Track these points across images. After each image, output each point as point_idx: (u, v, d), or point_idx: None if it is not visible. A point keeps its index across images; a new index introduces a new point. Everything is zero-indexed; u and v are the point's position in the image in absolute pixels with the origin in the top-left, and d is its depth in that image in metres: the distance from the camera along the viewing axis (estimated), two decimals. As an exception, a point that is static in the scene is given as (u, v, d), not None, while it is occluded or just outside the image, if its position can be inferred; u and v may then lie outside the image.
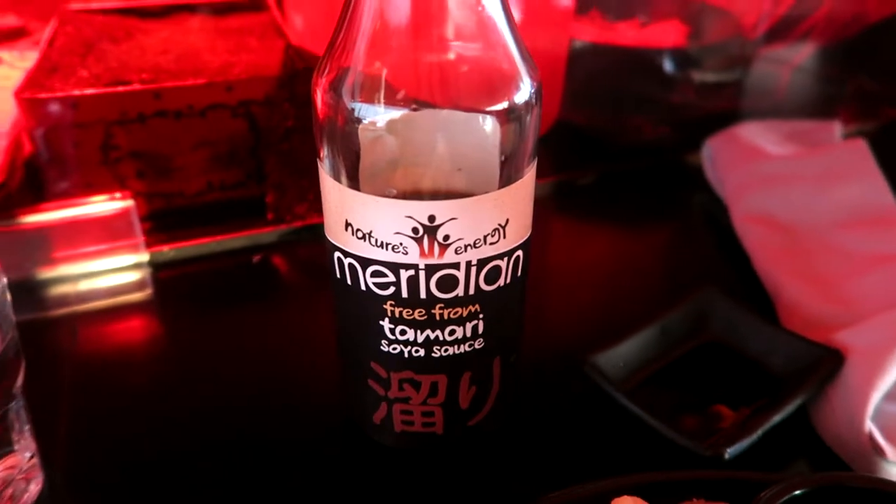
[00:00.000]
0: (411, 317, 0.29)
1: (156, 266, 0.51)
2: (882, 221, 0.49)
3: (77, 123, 0.52)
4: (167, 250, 0.53)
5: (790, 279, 0.48)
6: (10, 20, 0.84)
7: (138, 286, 0.49)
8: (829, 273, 0.47)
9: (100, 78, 0.54)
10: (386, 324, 0.29)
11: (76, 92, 0.51)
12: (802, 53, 0.85)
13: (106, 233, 0.49)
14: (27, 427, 0.34)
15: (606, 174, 0.68)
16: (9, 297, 0.31)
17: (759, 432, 0.34)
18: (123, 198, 0.49)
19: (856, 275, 0.46)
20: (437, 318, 0.29)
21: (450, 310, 0.29)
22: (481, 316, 0.29)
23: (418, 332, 0.29)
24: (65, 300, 0.48)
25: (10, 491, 0.33)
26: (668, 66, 0.75)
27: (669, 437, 0.34)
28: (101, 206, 0.49)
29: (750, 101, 0.80)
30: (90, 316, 0.47)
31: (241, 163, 0.58)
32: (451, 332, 0.29)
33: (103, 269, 0.50)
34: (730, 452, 0.33)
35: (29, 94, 0.51)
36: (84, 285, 0.49)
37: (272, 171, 0.56)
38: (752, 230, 0.53)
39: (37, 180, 0.54)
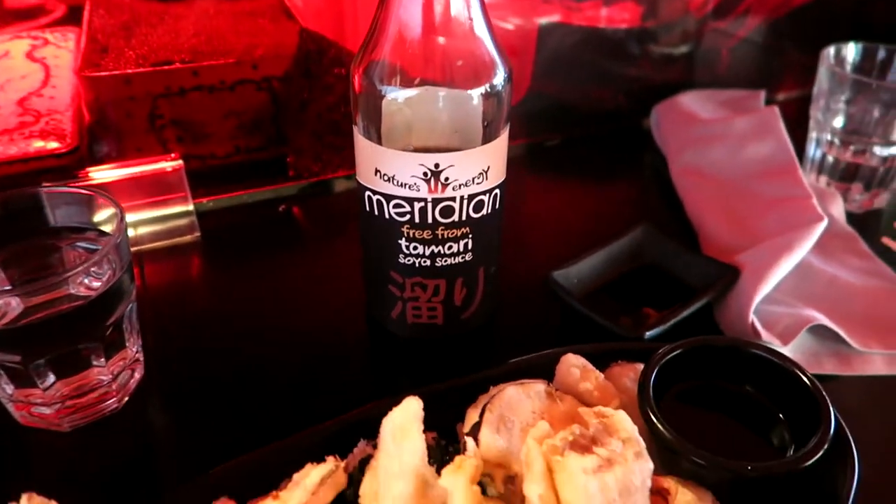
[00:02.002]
0: (421, 236, 0.41)
1: (199, 214, 0.62)
2: (784, 173, 0.62)
3: (129, 97, 0.63)
4: (207, 202, 0.64)
5: (711, 217, 0.60)
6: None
7: (188, 230, 0.61)
8: (741, 212, 0.60)
9: (146, 58, 0.64)
10: (403, 242, 0.41)
11: (129, 70, 0.62)
12: (743, 29, 0.97)
13: (161, 187, 0.60)
14: (137, 326, 0.45)
15: (571, 137, 0.79)
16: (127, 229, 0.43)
17: (672, 322, 0.47)
18: (175, 158, 0.60)
19: (761, 214, 0.59)
20: (440, 237, 0.41)
21: (448, 231, 0.41)
22: (470, 236, 0.41)
23: (426, 247, 0.41)
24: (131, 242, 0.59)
25: (122, 378, 0.45)
26: (625, 42, 0.86)
27: (608, 328, 0.47)
28: (156, 165, 0.60)
29: (698, 71, 0.92)
30: (153, 254, 0.59)
31: (263, 130, 0.69)
32: (450, 248, 0.41)
33: (159, 216, 0.61)
34: (648, 335, 0.45)
35: (89, 73, 0.61)
36: (143, 230, 0.60)
37: (292, 136, 0.67)
38: (686, 180, 0.66)
39: (95, 145, 0.64)
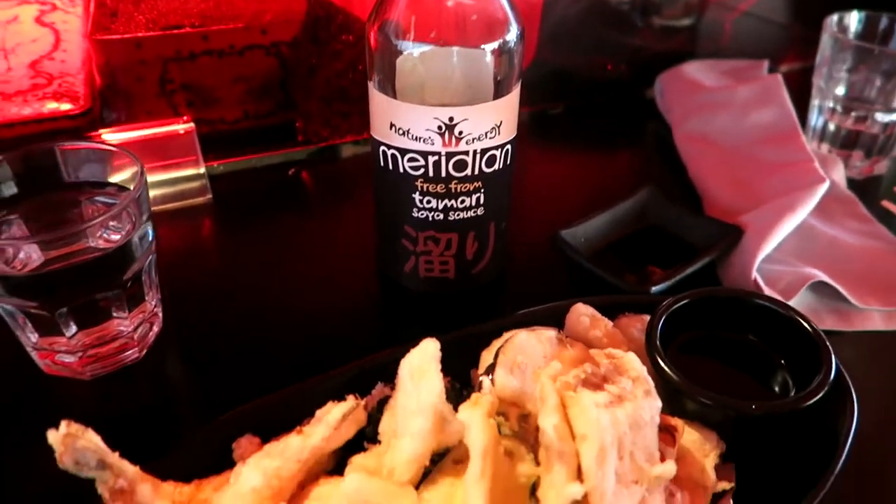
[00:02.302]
0: (435, 190, 0.42)
1: (210, 178, 0.63)
2: (787, 139, 0.63)
3: (140, 61, 0.63)
4: (217, 165, 0.65)
5: (715, 182, 0.61)
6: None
7: (200, 192, 0.62)
8: (744, 176, 0.61)
9: (156, 22, 0.65)
10: (417, 196, 0.42)
11: (140, 34, 0.62)
12: (745, 3, 0.97)
13: (173, 150, 0.61)
14: (156, 281, 0.46)
15: (574, 106, 0.80)
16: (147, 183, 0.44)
17: (677, 278, 0.48)
18: (186, 121, 0.61)
19: (764, 177, 0.60)
20: (453, 191, 0.42)
21: (461, 185, 0.42)
22: (482, 191, 0.42)
23: (439, 201, 0.42)
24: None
25: (141, 330, 0.46)
26: (628, 13, 0.87)
27: (614, 284, 0.48)
28: (169, 127, 0.60)
29: (700, 44, 0.93)
30: (165, 215, 0.60)
31: (272, 95, 0.69)
32: (462, 202, 0.42)
33: (170, 178, 0.62)
34: (654, 290, 0.47)
35: (100, 36, 0.62)
36: (155, 192, 0.61)
37: (301, 101, 0.68)
38: (690, 147, 0.67)
39: (106, 108, 0.65)
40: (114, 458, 0.29)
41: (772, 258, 0.51)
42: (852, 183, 0.64)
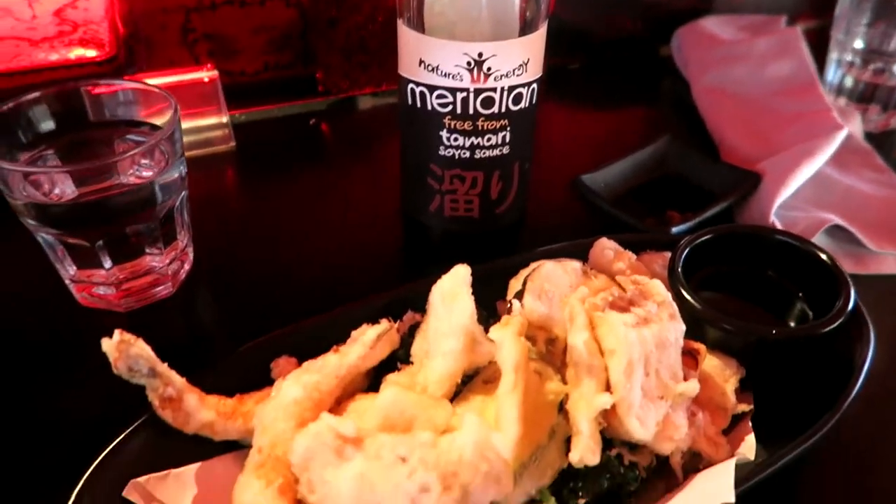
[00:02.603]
0: (462, 127, 0.43)
1: (233, 126, 0.64)
2: (804, 90, 0.63)
3: (162, 9, 0.64)
4: (239, 115, 0.66)
5: (733, 133, 0.62)
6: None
7: (224, 140, 0.62)
8: (762, 127, 0.61)
9: (178, -29, 0.65)
10: (444, 133, 0.43)
11: (163, -18, 0.63)
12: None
13: (197, 98, 0.62)
14: (187, 220, 0.47)
15: (592, 61, 0.80)
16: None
17: (697, 220, 0.49)
18: (210, 69, 0.62)
19: (782, 128, 0.60)
20: (480, 128, 0.43)
21: (488, 123, 0.43)
22: (508, 129, 0.43)
23: (466, 139, 0.43)
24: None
25: (173, 267, 0.47)
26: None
27: (634, 226, 0.49)
28: (193, 74, 0.61)
29: (716, 1, 0.92)
30: (190, 161, 0.60)
31: (292, 45, 0.70)
32: (489, 140, 0.43)
33: (195, 126, 0.63)
34: (675, 230, 0.48)
35: (124, -16, 0.62)
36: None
37: (321, 53, 0.68)
38: (708, 99, 0.67)
39: (128, 57, 0.65)
40: (163, 367, 0.30)
41: (788, 205, 0.52)
42: (869, 136, 0.65)
